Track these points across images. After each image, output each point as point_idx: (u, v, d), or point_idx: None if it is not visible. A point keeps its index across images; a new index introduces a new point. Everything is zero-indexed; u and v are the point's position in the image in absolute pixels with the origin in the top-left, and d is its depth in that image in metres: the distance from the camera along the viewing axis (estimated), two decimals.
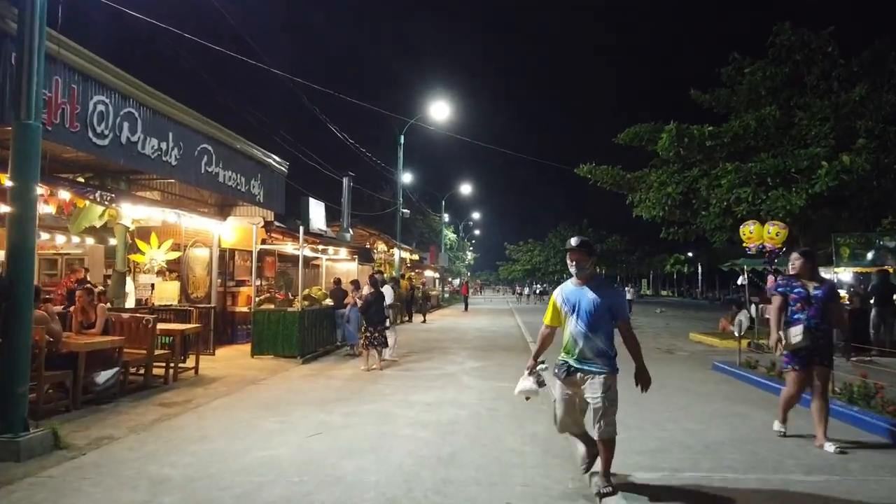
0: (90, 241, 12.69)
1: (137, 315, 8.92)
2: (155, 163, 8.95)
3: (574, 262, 4.54)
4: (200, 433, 6.58)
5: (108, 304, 9.86)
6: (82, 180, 9.55)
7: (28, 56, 5.63)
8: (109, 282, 11.32)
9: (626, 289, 34.03)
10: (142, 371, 8.99)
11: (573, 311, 4.50)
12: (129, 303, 12.09)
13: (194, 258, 13.13)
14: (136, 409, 7.67)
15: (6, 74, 5.84)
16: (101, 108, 7.60)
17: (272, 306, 13.09)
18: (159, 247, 12.54)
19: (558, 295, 4.66)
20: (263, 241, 14.48)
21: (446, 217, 51.19)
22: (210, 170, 10.70)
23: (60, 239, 13.28)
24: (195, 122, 10.06)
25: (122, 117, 8.08)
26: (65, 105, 6.92)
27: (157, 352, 9.33)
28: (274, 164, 13.88)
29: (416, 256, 36.37)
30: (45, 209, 10.00)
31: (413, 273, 33.17)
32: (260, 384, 9.71)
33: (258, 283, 15.31)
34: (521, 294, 63.73)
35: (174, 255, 12.55)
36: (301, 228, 12.56)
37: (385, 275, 14.91)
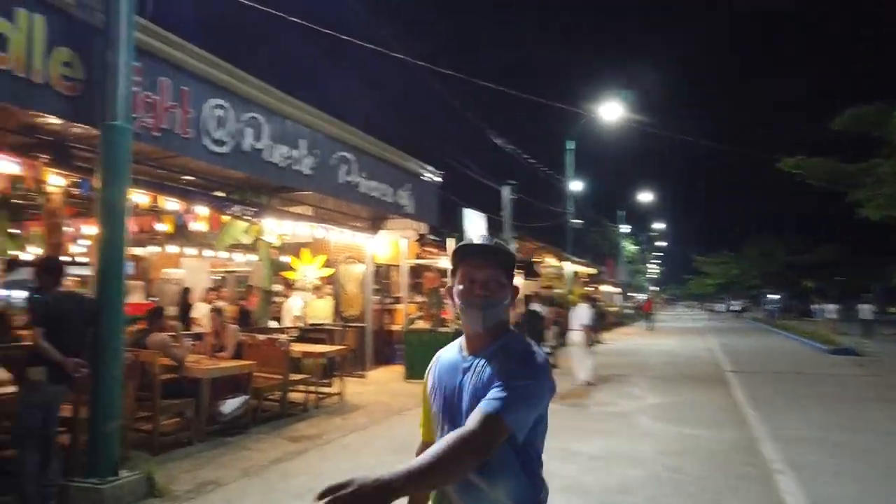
0: (250, 257, 12.67)
1: (272, 337, 8.27)
2: (285, 172, 8.30)
3: (473, 294, 1.73)
4: (312, 482, 5.53)
5: (236, 325, 9.41)
6: (222, 195, 9.23)
7: (113, 52, 5.01)
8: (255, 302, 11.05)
9: (861, 306, 27.47)
10: (278, 397, 8.32)
11: (441, 412, 1.81)
12: (286, 322, 11.79)
13: (347, 274, 12.60)
14: (260, 444, 6.89)
15: (94, 73, 5.23)
16: (218, 112, 7.01)
17: (426, 325, 12.09)
18: (312, 263, 12.16)
19: (429, 373, 1.93)
20: (417, 256, 13.59)
21: (626, 227, 47.84)
22: (350, 179, 9.95)
23: (239, 257, 13.53)
24: (331, 128, 9.35)
25: (245, 123, 7.47)
26: (174, 108, 6.34)
27: (294, 376, 8.62)
28: (425, 173, 12.97)
29: (592, 270, 34.00)
30: (195, 226, 9.93)
31: (590, 289, 30.88)
32: (404, 415, 8.62)
33: (412, 299, 14.51)
34: (714, 310, 57.55)
35: (328, 271, 12.09)
36: (453, 241, 11.45)
37: (571, 294, 13.28)
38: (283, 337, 8.17)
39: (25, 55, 4.95)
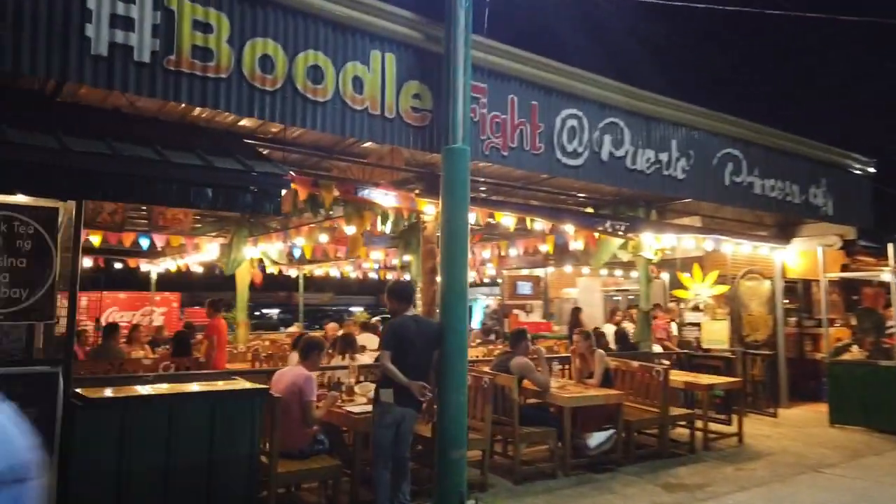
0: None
1: (647, 364, 7.37)
2: (651, 179, 7.35)
3: None
4: None
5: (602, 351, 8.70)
6: (590, 211, 8.77)
7: (453, 75, 5.02)
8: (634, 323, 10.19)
9: None
10: (656, 433, 7.35)
11: None
12: (674, 346, 10.69)
13: (747, 292, 10.72)
14: (629, 488, 6.07)
15: (441, 101, 5.33)
16: (571, 122, 6.56)
17: (859, 355, 9.42)
18: (703, 280, 10.73)
19: None
20: (844, 268, 10.83)
21: None
22: (738, 180, 8.36)
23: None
24: (708, 121, 8.00)
25: (602, 130, 6.85)
26: (523, 125, 6.13)
27: (677, 410, 7.52)
28: (849, 162, 10.24)
29: None
30: (574, 245, 9.73)
31: None
32: (821, 474, 6.69)
33: (842, 321, 11.61)
34: None
35: (721, 288, 10.50)
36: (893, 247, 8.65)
37: None
38: (659, 365, 7.19)
39: (380, 94, 5.33)
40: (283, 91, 4.88)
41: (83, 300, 13.51)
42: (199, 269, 16.30)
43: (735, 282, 10.59)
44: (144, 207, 8.90)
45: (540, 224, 7.96)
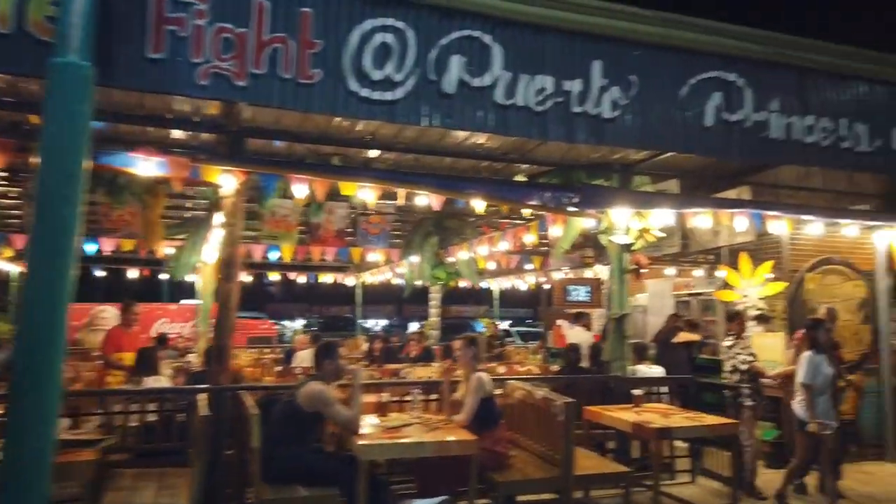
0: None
1: (550, 396, 4.87)
2: (547, 119, 4.91)
3: None
4: None
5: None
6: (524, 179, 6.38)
7: None
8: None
9: None
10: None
11: None
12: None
13: (821, 291, 7.32)
14: None
15: None
16: (383, 38, 4.48)
17: None
18: (754, 275, 7.56)
19: None
20: None
21: None
22: (733, 118, 5.47)
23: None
24: (674, 32, 5.30)
25: (445, 48, 4.65)
26: (281, 43, 4.22)
27: (595, 467, 4.94)
28: None
29: None
30: (554, 231, 7.38)
31: None
32: None
33: None
34: None
35: (775, 286, 7.28)
36: None
37: None
38: (559, 398, 4.67)
39: None
40: None
41: None
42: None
43: (798, 276, 7.32)
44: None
45: (425, 198, 5.81)
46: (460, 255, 10.29)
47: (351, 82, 4.40)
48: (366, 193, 5.49)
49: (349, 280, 16.67)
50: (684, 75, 5.38)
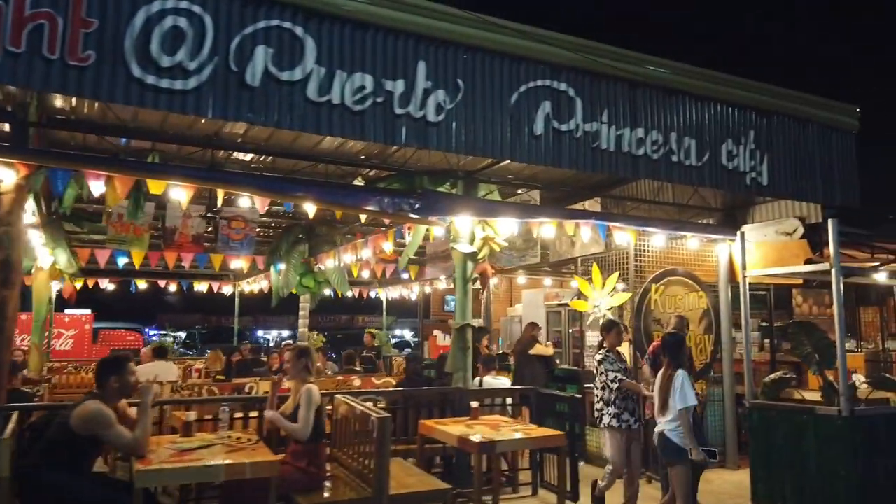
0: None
1: (367, 408, 4.61)
2: (364, 120, 4.67)
3: None
4: None
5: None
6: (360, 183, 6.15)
7: None
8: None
9: None
10: None
11: None
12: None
13: (665, 302, 7.54)
14: None
15: None
16: (175, 21, 4.09)
17: (799, 394, 6.13)
18: (604, 286, 7.69)
19: None
20: (808, 263, 7.48)
21: None
22: (564, 128, 5.46)
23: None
24: (507, 40, 5.20)
25: (249, 38, 4.32)
26: (48, 20, 3.74)
27: (415, 485, 4.72)
28: (809, 110, 6.95)
29: None
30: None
31: None
32: None
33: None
34: None
35: (621, 297, 7.42)
36: None
37: None
38: (374, 414, 4.41)
39: None
40: None
41: None
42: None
43: (643, 287, 7.46)
44: None
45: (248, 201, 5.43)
46: (328, 263, 9.94)
47: (134, 68, 3.99)
48: (178, 193, 5.06)
49: (226, 289, 15.94)
50: (514, 82, 5.30)
